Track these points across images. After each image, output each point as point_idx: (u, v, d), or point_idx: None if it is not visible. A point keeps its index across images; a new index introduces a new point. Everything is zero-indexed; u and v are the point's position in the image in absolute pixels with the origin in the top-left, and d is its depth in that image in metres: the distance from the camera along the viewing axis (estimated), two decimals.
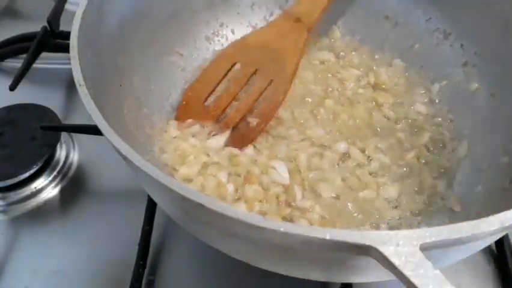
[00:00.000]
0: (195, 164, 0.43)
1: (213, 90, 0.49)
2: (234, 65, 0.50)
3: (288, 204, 0.42)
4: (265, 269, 0.34)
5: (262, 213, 0.41)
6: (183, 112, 0.49)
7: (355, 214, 0.41)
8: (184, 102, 0.49)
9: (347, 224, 0.40)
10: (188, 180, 0.43)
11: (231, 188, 0.42)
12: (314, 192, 0.42)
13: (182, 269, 0.45)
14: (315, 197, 0.42)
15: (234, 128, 0.47)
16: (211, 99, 0.49)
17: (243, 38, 0.51)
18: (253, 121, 0.47)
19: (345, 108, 0.49)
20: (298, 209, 0.41)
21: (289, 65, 0.48)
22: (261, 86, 0.48)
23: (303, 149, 0.45)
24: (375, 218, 0.41)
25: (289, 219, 0.41)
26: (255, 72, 0.49)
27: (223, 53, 0.51)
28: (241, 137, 0.46)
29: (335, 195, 0.42)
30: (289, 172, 0.43)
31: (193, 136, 0.47)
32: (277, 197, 0.42)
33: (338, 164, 0.45)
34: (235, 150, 0.45)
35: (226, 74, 0.50)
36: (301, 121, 0.48)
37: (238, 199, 0.42)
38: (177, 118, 0.48)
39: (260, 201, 0.42)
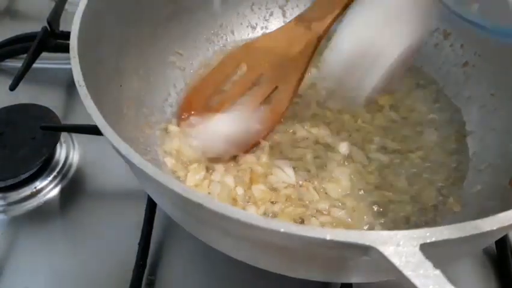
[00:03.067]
0: (198, 171, 0.43)
1: (217, 91, 0.49)
2: (240, 67, 0.49)
3: (301, 205, 0.41)
4: (265, 269, 0.34)
5: (273, 215, 0.41)
6: (185, 110, 0.48)
7: (365, 215, 0.41)
8: (186, 101, 0.49)
9: (359, 225, 0.40)
10: (196, 186, 0.43)
11: (240, 191, 0.42)
12: (324, 193, 0.42)
13: (182, 269, 0.45)
14: (326, 197, 0.42)
15: None
16: (215, 100, 0.49)
17: (252, 41, 0.51)
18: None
19: (348, 108, 0.49)
20: (311, 210, 0.41)
21: (295, 72, 0.47)
22: (266, 91, 0.47)
23: (309, 147, 0.45)
24: (384, 218, 0.41)
25: (300, 220, 0.40)
26: (260, 76, 0.48)
27: (230, 54, 0.50)
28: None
29: (344, 196, 0.42)
30: (297, 171, 0.43)
31: (193, 138, 0.47)
32: (287, 198, 0.42)
33: (343, 164, 0.44)
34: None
35: (231, 76, 0.49)
36: (303, 120, 0.48)
37: (248, 202, 0.42)
38: (178, 116, 0.48)
39: (271, 202, 0.41)
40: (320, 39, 0.48)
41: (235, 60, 0.50)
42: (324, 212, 0.41)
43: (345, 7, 0.49)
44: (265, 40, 0.50)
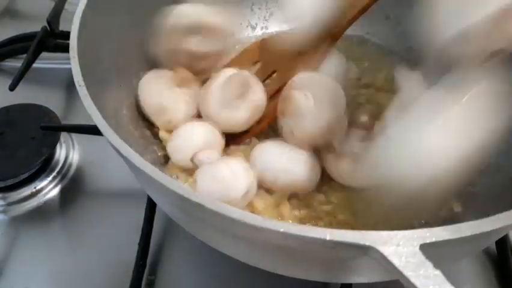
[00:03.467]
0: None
1: None
2: (255, 63, 0.49)
3: (307, 206, 0.41)
4: (265, 269, 0.34)
5: (277, 216, 0.40)
6: None
7: (368, 215, 0.41)
8: None
9: (363, 225, 0.40)
10: None
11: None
12: (329, 194, 0.42)
13: (182, 269, 0.45)
14: (330, 197, 0.42)
15: None
16: None
17: (268, 38, 0.51)
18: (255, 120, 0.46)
19: (348, 109, 0.49)
20: (316, 211, 0.41)
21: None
22: (274, 88, 0.47)
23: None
24: (390, 219, 0.41)
25: (305, 222, 0.40)
26: (273, 73, 0.48)
27: (246, 49, 0.51)
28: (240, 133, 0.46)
29: (347, 196, 0.42)
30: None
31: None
32: (290, 200, 0.42)
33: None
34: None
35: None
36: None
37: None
38: None
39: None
40: (333, 42, 0.47)
41: (251, 56, 0.50)
42: (328, 214, 0.41)
43: (361, 13, 0.48)
44: (281, 37, 0.50)
